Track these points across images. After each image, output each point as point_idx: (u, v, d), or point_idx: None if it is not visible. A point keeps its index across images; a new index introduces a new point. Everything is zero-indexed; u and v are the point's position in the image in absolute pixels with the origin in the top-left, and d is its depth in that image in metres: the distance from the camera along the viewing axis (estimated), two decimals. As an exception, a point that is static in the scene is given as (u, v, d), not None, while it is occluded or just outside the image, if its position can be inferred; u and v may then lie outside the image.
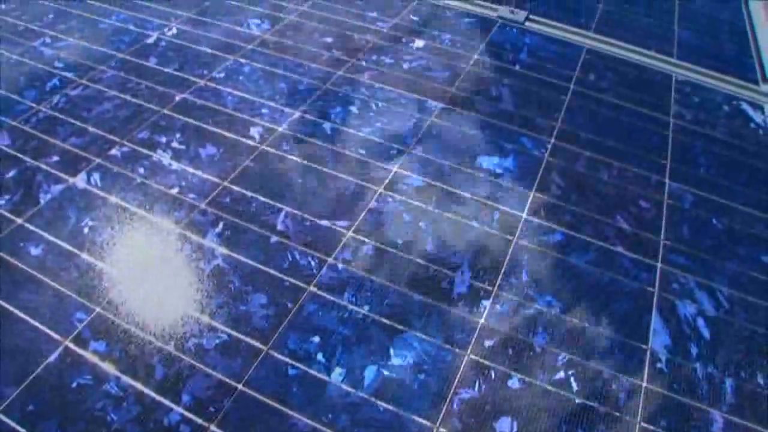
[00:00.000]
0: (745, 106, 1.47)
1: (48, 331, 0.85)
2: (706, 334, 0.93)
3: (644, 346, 0.90)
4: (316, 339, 0.86)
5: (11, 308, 0.87)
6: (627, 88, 1.46)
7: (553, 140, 1.26)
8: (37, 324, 0.86)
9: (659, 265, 1.02)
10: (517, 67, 1.49)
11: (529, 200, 1.11)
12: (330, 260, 0.96)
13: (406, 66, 1.45)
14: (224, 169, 1.12)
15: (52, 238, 0.98)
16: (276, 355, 0.84)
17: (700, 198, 1.17)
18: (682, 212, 1.13)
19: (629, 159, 1.23)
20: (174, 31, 1.53)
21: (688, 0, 2.00)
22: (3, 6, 1.63)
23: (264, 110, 1.27)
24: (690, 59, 1.63)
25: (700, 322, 0.94)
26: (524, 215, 1.07)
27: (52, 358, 0.82)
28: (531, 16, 1.71)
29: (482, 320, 0.90)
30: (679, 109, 1.41)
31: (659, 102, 1.43)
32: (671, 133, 1.33)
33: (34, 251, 0.96)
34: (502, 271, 0.97)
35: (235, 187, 1.08)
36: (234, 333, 0.86)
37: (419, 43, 1.55)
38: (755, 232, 1.11)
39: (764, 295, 1.00)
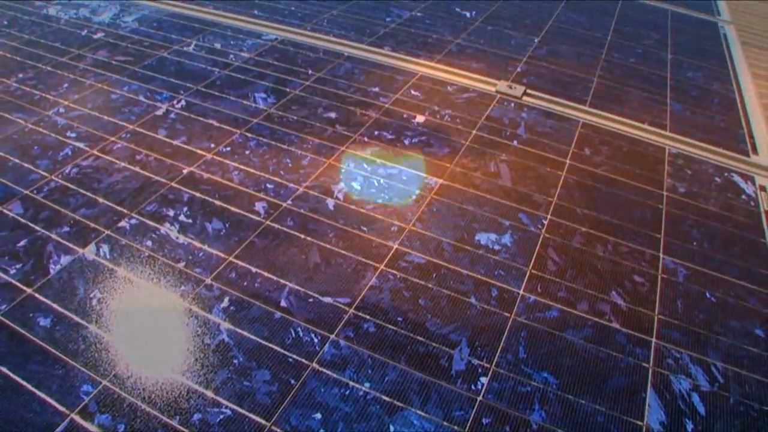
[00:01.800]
0: (736, 177, 1.51)
1: (54, 403, 0.86)
2: (702, 409, 0.94)
3: (640, 423, 0.91)
4: (318, 416, 0.87)
5: (19, 379, 0.89)
6: (621, 162, 1.50)
7: (549, 216, 1.29)
8: (43, 396, 0.87)
9: (654, 340, 1.04)
10: (515, 143, 1.53)
11: (526, 277, 1.13)
12: (332, 337, 0.98)
13: (407, 142, 1.49)
14: (230, 244, 1.15)
15: (60, 309, 1.00)
16: (278, 431, 0.85)
17: (694, 272, 1.19)
18: (676, 286, 1.15)
19: (624, 234, 1.26)
20: (183, 103, 1.58)
21: (680, 73, 2.07)
22: (21, 75, 1.69)
23: (269, 185, 1.31)
24: (682, 132, 1.68)
25: (695, 397, 0.96)
26: (521, 292, 1.10)
27: (57, 430, 0.83)
28: (528, 91, 1.77)
29: (480, 397, 0.92)
30: (672, 182, 1.45)
31: (653, 175, 1.47)
32: (665, 206, 1.37)
33: (43, 322, 0.98)
34: (500, 347, 0.99)
35: (240, 263, 1.11)
36: (238, 408, 0.87)
37: (420, 118, 1.60)
38: (748, 305, 1.13)
39: (758, 368, 1.01)
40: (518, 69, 1.95)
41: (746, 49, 2.50)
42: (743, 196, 1.44)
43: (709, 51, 2.36)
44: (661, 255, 1.22)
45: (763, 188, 1.49)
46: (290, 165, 1.38)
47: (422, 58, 1.95)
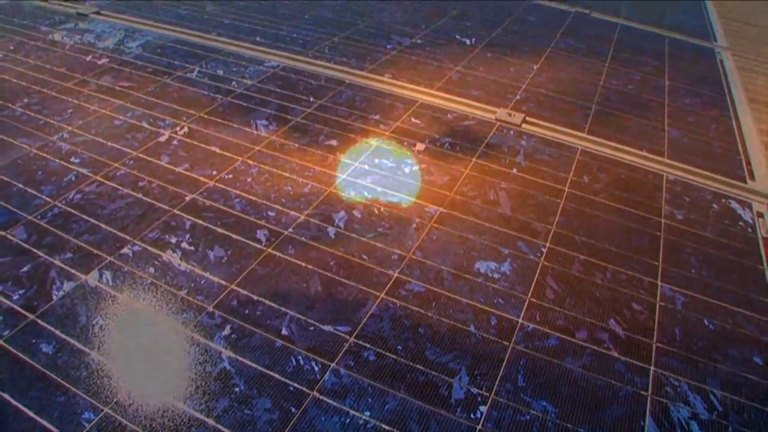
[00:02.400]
0: (734, 204, 1.52)
1: (55, 430, 0.86)
2: (700, 438, 0.95)
3: (638, 452, 0.92)
4: (318, 445, 0.88)
5: (20, 406, 0.89)
6: (619, 189, 1.51)
7: (548, 244, 1.30)
8: (45, 423, 0.87)
9: (652, 368, 1.04)
10: (514, 170, 1.55)
11: (525, 305, 1.14)
12: (333, 365, 0.99)
13: (407, 170, 1.51)
14: (231, 271, 1.16)
15: (63, 336, 1.01)
16: (278, 460, 0.86)
17: (692, 299, 1.20)
18: (674, 314, 1.16)
19: (622, 262, 1.27)
20: (185, 129, 1.60)
21: (678, 99, 2.09)
22: (26, 100, 1.71)
23: (270, 213, 1.32)
24: (680, 158, 1.70)
25: (694, 425, 0.96)
26: (520, 320, 1.11)
27: (58, 459, 0.84)
28: (527, 118, 1.79)
29: (479, 426, 0.92)
30: (670, 210, 1.46)
31: (651, 202, 1.48)
32: (663, 233, 1.38)
33: (45, 348, 0.98)
34: (499, 376, 1.00)
35: (241, 290, 1.12)
36: (238, 437, 0.88)
37: (420, 146, 1.62)
38: (746, 332, 1.14)
39: (757, 397, 1.02)
40: (517, 96, 1.97)
41: (743, 74, 2.53)
42: (741, 223, 1.45)
43: (706, 77, 2.38)
44: (659, 282, 1.23)
45: (760, 215, 1.50)
46: (291, 192, 1.39)
47: (422, 85, 1.98)
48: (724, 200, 1.53)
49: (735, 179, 1.64)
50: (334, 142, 1.60)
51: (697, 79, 2.33)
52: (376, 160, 1.54)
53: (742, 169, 1.70)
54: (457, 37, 2.49)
